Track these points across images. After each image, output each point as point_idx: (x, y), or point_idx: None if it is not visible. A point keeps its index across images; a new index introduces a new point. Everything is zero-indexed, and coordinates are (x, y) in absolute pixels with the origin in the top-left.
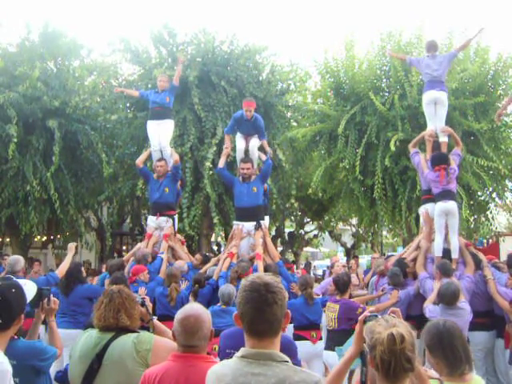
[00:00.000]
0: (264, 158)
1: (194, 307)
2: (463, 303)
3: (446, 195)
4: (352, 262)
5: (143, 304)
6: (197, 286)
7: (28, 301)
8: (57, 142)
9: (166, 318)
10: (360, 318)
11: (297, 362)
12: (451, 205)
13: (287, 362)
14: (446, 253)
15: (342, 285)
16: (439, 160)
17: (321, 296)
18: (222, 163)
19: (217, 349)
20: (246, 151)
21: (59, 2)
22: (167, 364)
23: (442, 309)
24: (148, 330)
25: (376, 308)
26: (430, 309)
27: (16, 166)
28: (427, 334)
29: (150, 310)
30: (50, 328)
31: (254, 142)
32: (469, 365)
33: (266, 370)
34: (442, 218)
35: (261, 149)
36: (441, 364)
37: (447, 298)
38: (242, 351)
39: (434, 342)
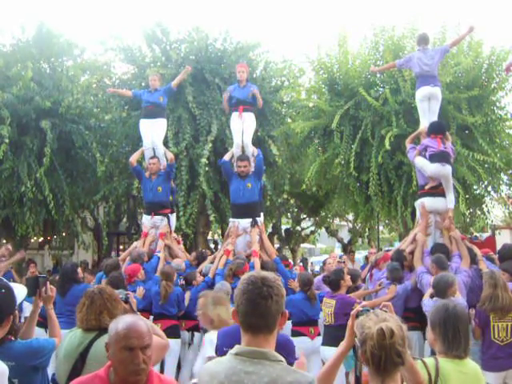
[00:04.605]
0: (256, 152)
1: None
2: (458, 298)
3: (443, 157)
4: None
5: (127, 300)
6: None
7: (18, 303)
8: (48, 142)
9: (161, 316)
10: (352, 312)
11: (294, 362)
12: (448, 169)
13: (282, 361)
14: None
15: (330, 283)
16: (437, 129)
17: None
18: (227, 157)
19: None
20: (243, 147)
21: (53, 0)
22: None
23: (437, 302)
24: None
25: (373, 303)
26: (425, 303)
27: (10, 166)
28: (436, 312)
29: (134, 307)
30: (49, 316)
31: (248, 136)
32: (465, 351)
33: (260, 369)
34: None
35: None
36: (439, 342)
37: (440, 289)
38: (236, 348)
39: (439, 321)
